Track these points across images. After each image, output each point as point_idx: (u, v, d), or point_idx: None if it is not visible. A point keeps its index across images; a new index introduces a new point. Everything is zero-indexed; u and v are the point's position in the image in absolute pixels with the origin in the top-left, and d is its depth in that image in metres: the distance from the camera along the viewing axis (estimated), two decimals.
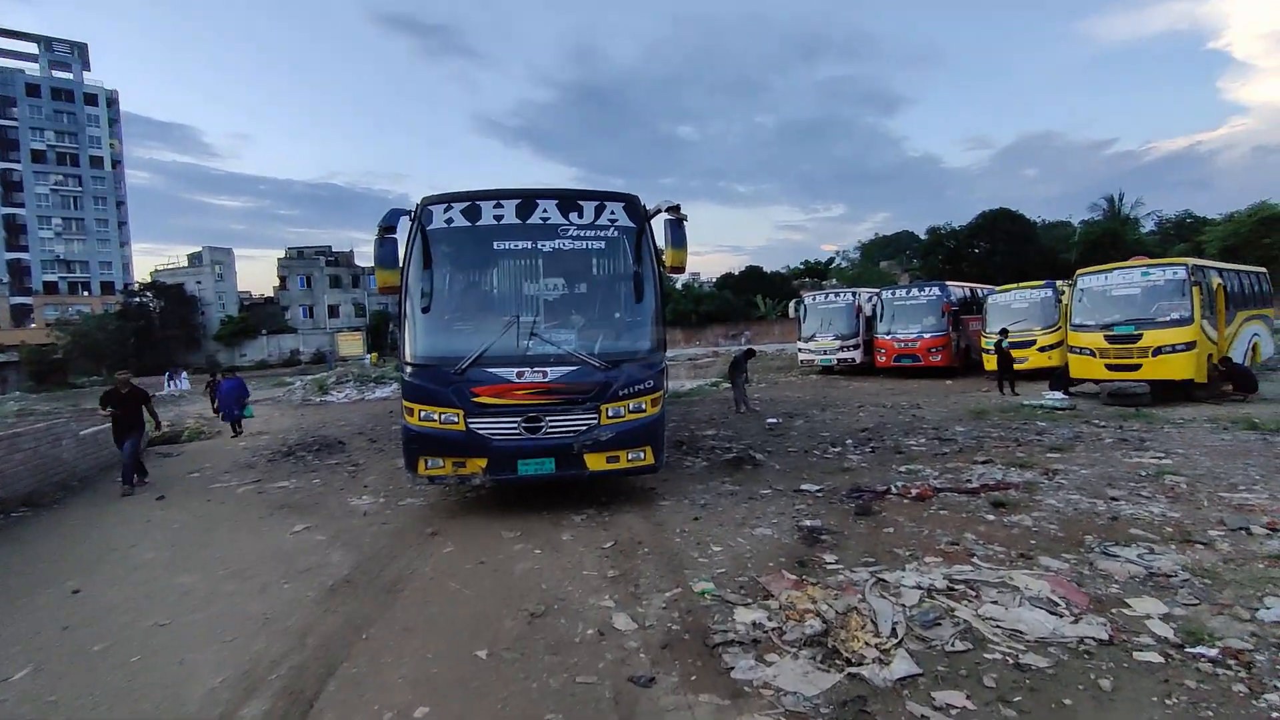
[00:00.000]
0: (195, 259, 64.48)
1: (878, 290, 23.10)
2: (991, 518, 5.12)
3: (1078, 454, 7.31)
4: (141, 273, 69.11)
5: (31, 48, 73.58)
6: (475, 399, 5.54)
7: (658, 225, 6.23)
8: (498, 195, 6.01)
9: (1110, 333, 12.19)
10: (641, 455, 5.87)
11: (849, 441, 9.12)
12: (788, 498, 6.22)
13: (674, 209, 5.87)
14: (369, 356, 46.30)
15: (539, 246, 6.01)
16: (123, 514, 6.71)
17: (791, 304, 26.02)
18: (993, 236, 44.23)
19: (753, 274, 58.29)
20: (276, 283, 65.20)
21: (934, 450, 8.13)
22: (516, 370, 5.61)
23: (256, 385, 32.98)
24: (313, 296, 64.33)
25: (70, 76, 74.04)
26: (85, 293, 70.74)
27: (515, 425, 5.60)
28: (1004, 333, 15.26)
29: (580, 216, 6.05)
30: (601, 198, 6.15)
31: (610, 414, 5.73)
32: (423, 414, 5.64)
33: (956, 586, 3.70)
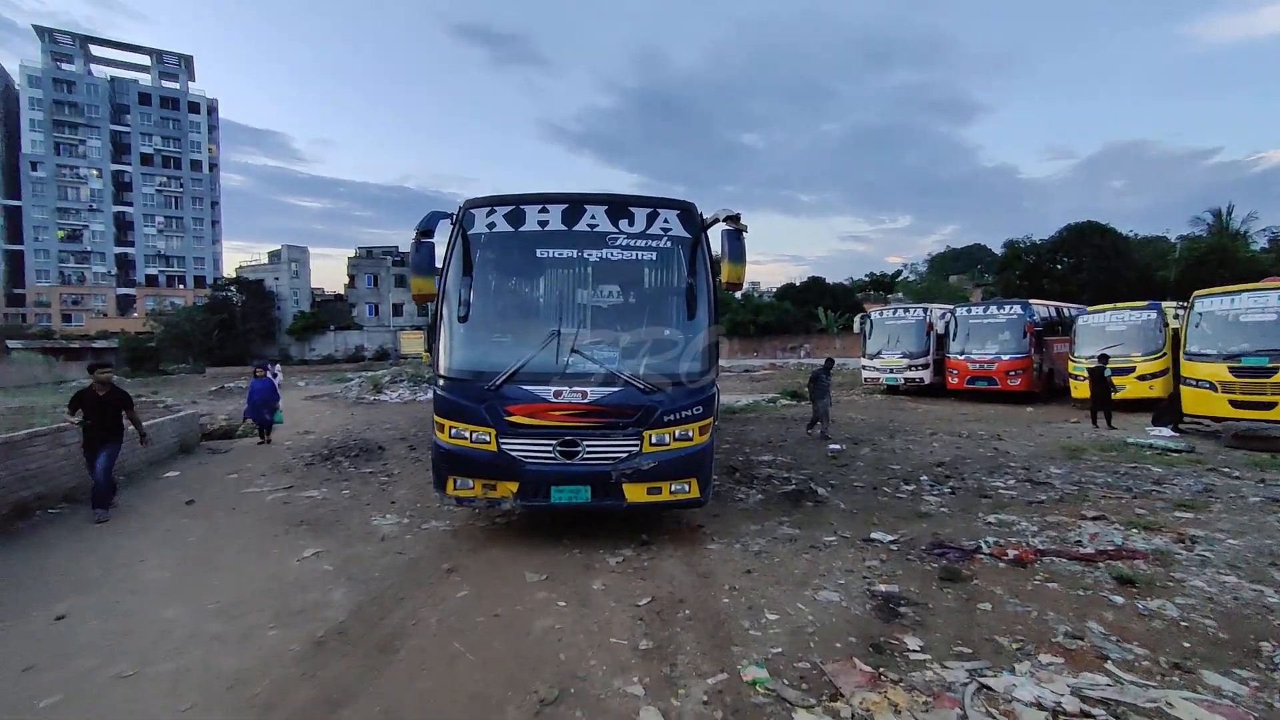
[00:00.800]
0: (275, 256, 67.97)
1: (951, 307, 21.58)
2: (1120, 600, 4.13)
3: (1215, 514, 6.10)
4: (229, 269, 73.45)
5: (144, 59, 79.84)
6: (508, 418, 5.14)
7: (715, 235, 5.65)
8: (544, 199, 5.62)
9: (1237, 364, 10.62)
10: (686, 488, 5.35)
11: (924, 478, 8.11)
12: (856, 549, 5.36)
13: (733, 218, 5.31)
14: (422, 355, 47.26)
15: (585, 255, 5.59)
16: (148, 519, 6.50)
17: (857, 319, 24.73)
18: (1079, 251, 41.03)
19: (815, 285, 56.37)
20: (346, 280, 67.90)
21: (1027, 496, 7.04)
22: (554, 389, 5.17)
23: (319, 380, 34.22)
24: (379, 295, 66.61)
25: (177, 86, 79.93)
26: (180, 285, 75.97)
27: (550, 448, 5.17)
28: (1104, 358, 13.66)
29: (631, 224, 5.59)
30: (654, 204, 5.68)
31: (654, 441, 5.22)
32: (453, 431, 5.29)
33: (1093, 712, 2.81)
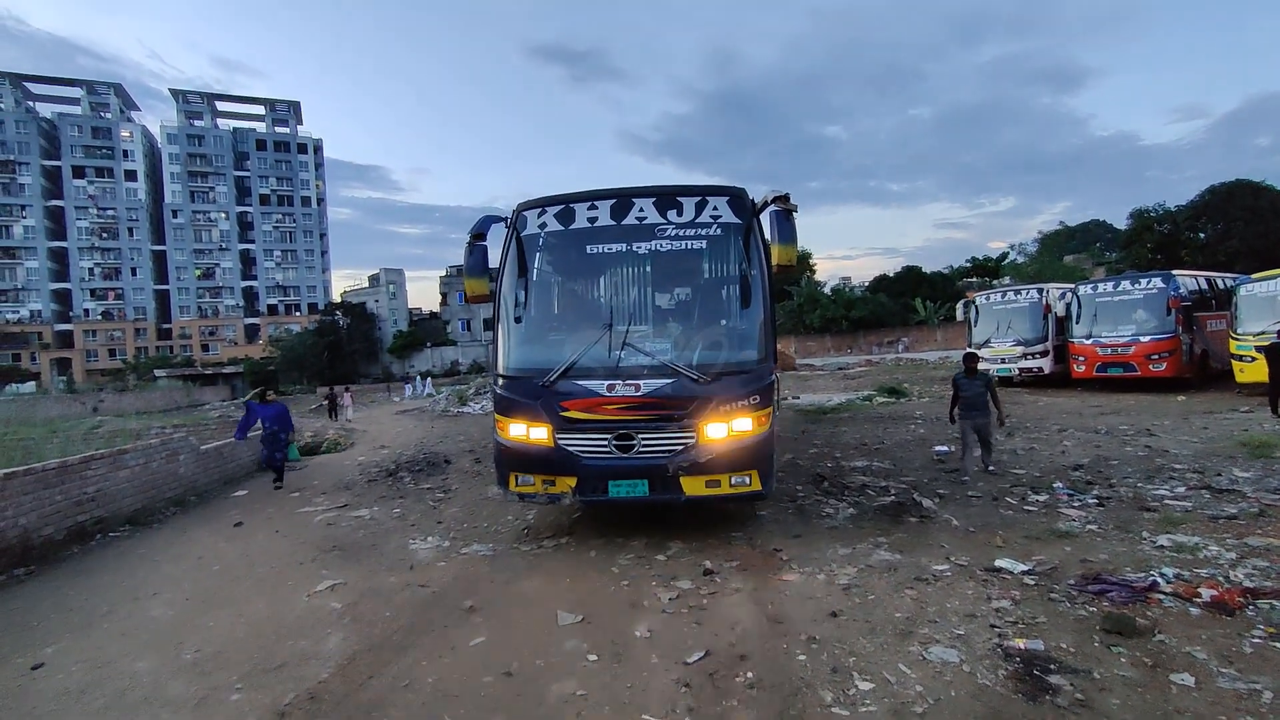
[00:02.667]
0: (374, 280, 72.40)
1: (1072, 285, 18.96)
2: None
3: None
4: (337, 294, 79.20)
5: (259, 109, 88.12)
6: (563, 413, 5.16)
7: (766, 220, 5.36)
8: (592, 196, 5.68)
9: None
10: (746, 480, 5.15)
11: (1058, 485, 6.62)
12: (977, 582, 4.18)
13: (782, 198, 5.15)
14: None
15: (634, 249, 5.57)
16: (192, 543, 6.30)
17: (959, 305, 22.33)
18: (1226, 215, 35.56)
19: (910, 275, 52.63)
20: (440, 299, 71.17)
21: (1208, 509, 5.46)
22: (607, 383, 5.13)
23: (413, 395, 35.66)
24: (471, 311, 69.22)
25: (287, 130, 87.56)
26: (296, 313, 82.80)
27: (605, 443, 5.14)
28: None
29: (680, 214, 5.52)
30: (703, 193, 5.58)
31: (710, 432, 5.08)
32: (513, 428, 5.41)
33: None
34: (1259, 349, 13.56)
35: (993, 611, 3.70)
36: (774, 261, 5.17)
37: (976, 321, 19.21)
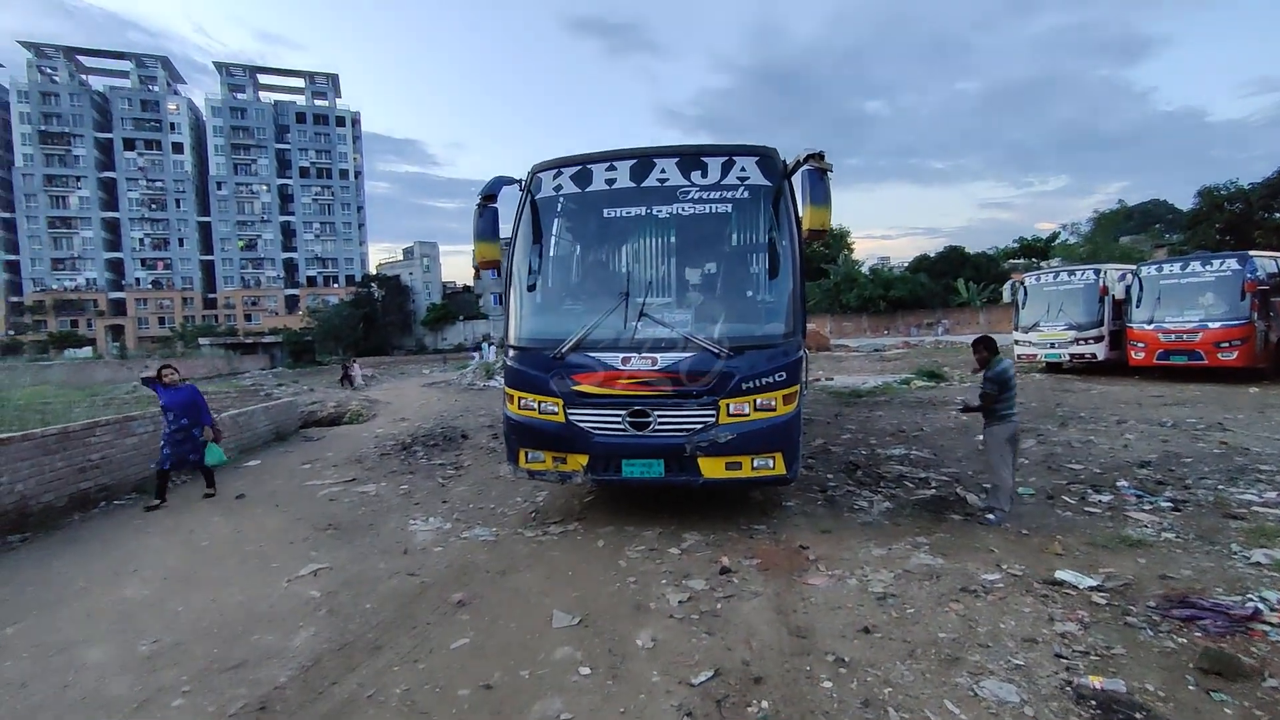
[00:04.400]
0: (408, 253, 73.06)
1: (1132, 266, 17.66)
2: None
3: None
4: (373, 267, 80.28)
5: (299, 82, 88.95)
6: (575, 387, 4.89)
7: (797, 182, 4.88)
8: (611, 157, 5.30)
9: None
10: (770, 463, 4.80)
11: (1123, 484, 5.93)
12: (1035, 598, 3.62)
13: (816, 156, 4.65)
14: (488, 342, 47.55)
15: (654, 212, 5.16)
16: (189, 514, 6.05)
17: (1006, 287, 21.16)
18: None
19: (953, 255, 50.54)
20: (473, 272, 71.55)
21: None
22: (622, 355, 4.83)
23: (443, 368, 35.75)
24: (501, 284, 69.46)
25: (326, 103, 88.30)
26: (334, 284, 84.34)
27: (619, 419, 4.84)
28: None
29: (704, 175, 5.11)
30: (730, 152, 5.15)
31: (732, 411, 4.75)
32: (523, 402, 5.15)
33: None
34: None
35: (1057, 637, 3.15)
36: (805, 225, 4.64)
37: (1025, 303, 18.10)
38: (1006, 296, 20.23)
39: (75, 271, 75.60)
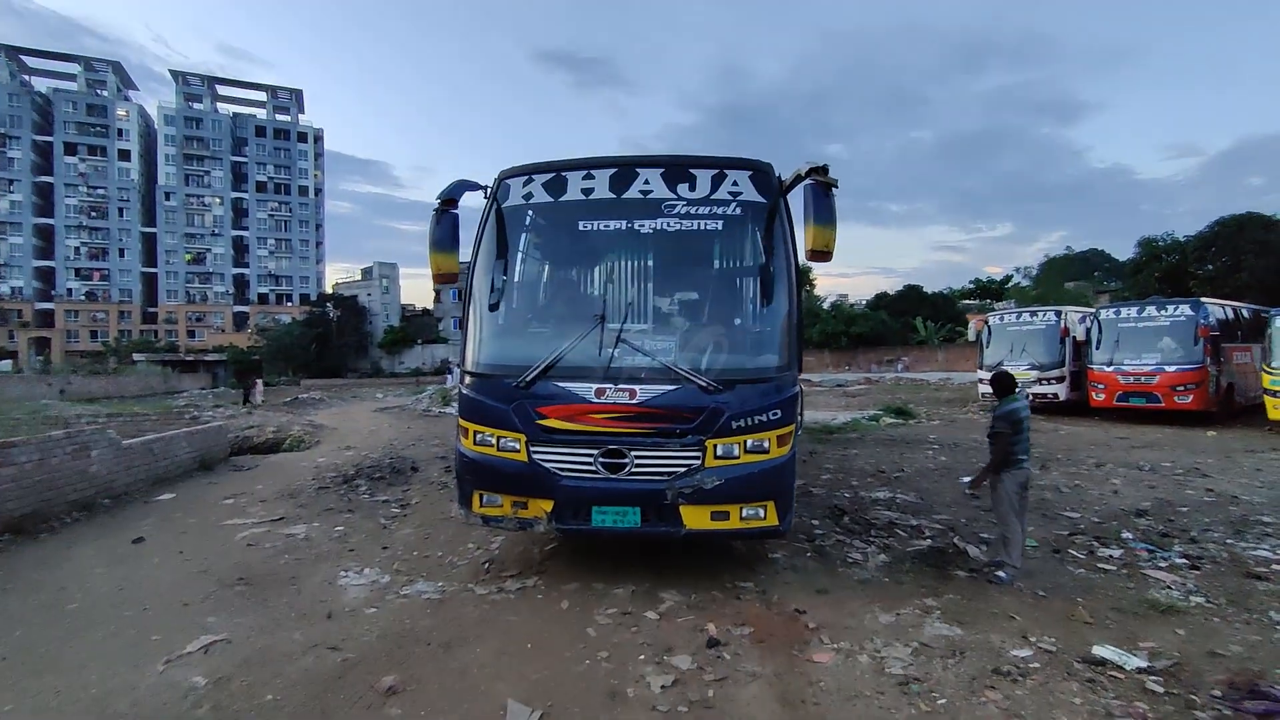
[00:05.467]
0: (367, 273, 71.08)
1: (1092, 310, 18.09)
2: None
3: None
4: (330, 287, 77.70)
5: (261, 95, 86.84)
6: (540, 420, 4.27)
7: (796, 197, 4.45)
8: (589, 164, 4.76)
9: None
10: (760, 513, 4.25)
11: (1127, 535, 5.57)
12: (1080, 682, 3.08)
13: (818, 170, 4.16)
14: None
15: (636, 227, 4.63)
16: (65, 565, 4.99)
17: (971, 326, 21.44)
18: (1236, 248, 34.84)
19: (911, 294, 51.84)
20: (433, 296, 69.91)
21: None
22: (596, 386, 4.24)
23: (399, 392, 34.20)
24: (462, 309, 68.05)
25: (288, 118, 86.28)
26: (288, 303, 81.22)
27: (591, 459, 4.25)
28: None
29: (692, 189, 4.59)
30: (722, 165, 4.65)
31: (719, 453, 4.20)
32: (479, 436, 4.47)
33: None
34: None
35: None
36: (809, 245, 4.15)
37: (989, 342, 18.27)
38: (971, 336, 20.43)
39: (0, 280, 70.81)
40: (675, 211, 4.58)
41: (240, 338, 65.62)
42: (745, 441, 4.22)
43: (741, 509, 4.24)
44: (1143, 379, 14.86)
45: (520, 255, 5.00)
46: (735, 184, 4.60)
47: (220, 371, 56.53)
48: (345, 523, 6.38)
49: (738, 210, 4.58)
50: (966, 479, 8.04)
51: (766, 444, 4.25)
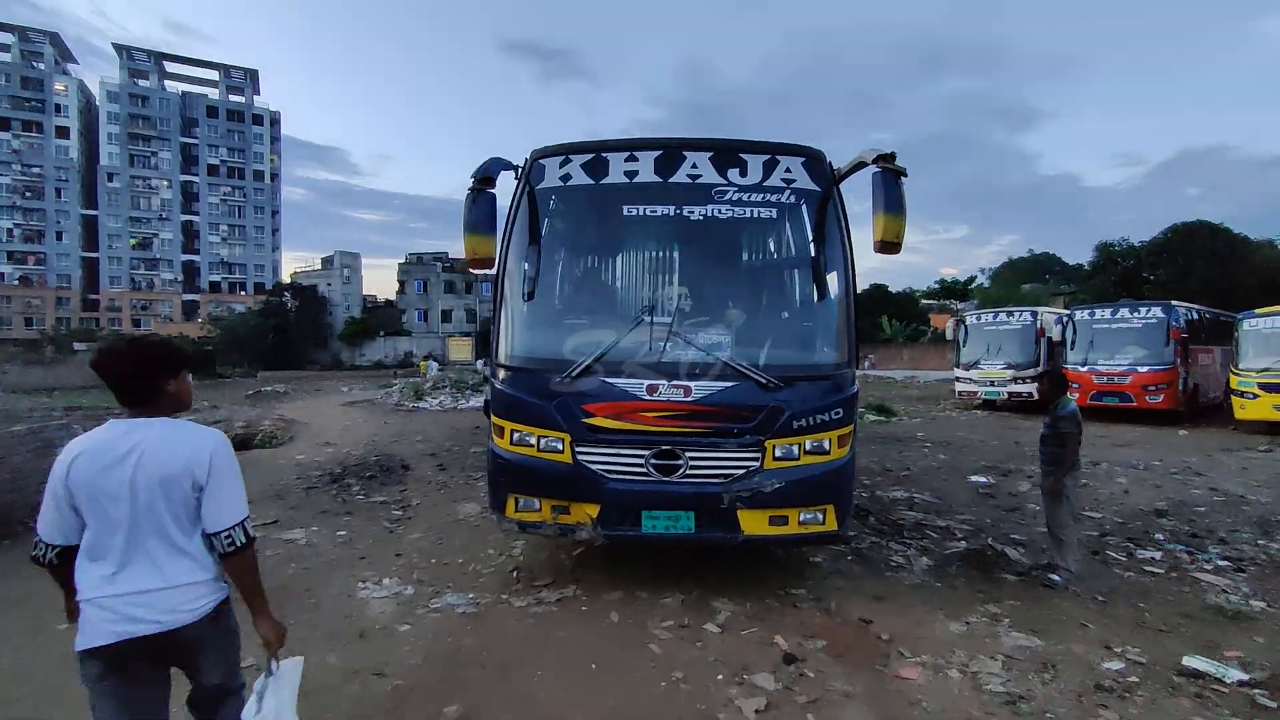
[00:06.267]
0: (328, 262, 68.70)
1: (1067, 311, 18.63)
2: None
3: None
4: (286, 276, 74.74)
5: (213, 75, 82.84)
6: (587, 419, 3.97)
7: (850, 185, 4.32)
8: (632, 145, 4.42)
9: None
10: (819, 517, 4.02)
11: (1160, 537, 5.57)
12: (1188, 697, 2.94)
13: (885, 157, 3.90)
14: (419, 364, 43.82)
15: (685, 213, 4.34)
16: (41, 575, 4.54)
17: (949, 325, 21.84)
18: (1187, 254, 36.56)
19: (877, 293, 52.86)
20: (397, 287, 68.05)
21: None
22: (647, 383, 3.95)
23: (364, 386, 33.01)
24: (428, 301, 66.44)
25: (243, 99, 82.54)
26: (242, 292, 77.90)
27: (641, 461, 3.96)
28: None
29: (743, 175, 4.32)
30: (774, 150, 4.38)
31: (779, 454, 3.96)
32: (516, 435, 4.13)
33: None
34: (1263, 386, 13.28)
35: None
36: (878, 235, 3.92)
37: (966, 341, 18.59)
38: (949, 335, 20.80)
39: None
40: (726, 198, 4.31)
41: (192, 327, 62.49)
42: (805, 442, 4.00)
43: (800, 513, 4.02)
44: (1116, 379, 15.29)
45: (557, 241, 4.66)
46: (788, 171, 4.37)
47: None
48: (346, 526, 5.92)
49: (792, 198, 4.35)
50: (981, 479, 8.09)
51: (827, 444, 4.04)
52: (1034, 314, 18.12)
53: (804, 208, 4.35)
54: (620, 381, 3.98)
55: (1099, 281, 40.63)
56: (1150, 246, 38.62)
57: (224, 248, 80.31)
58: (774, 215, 4.39)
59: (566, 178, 4.42)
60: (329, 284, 65.88)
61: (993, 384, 17.94)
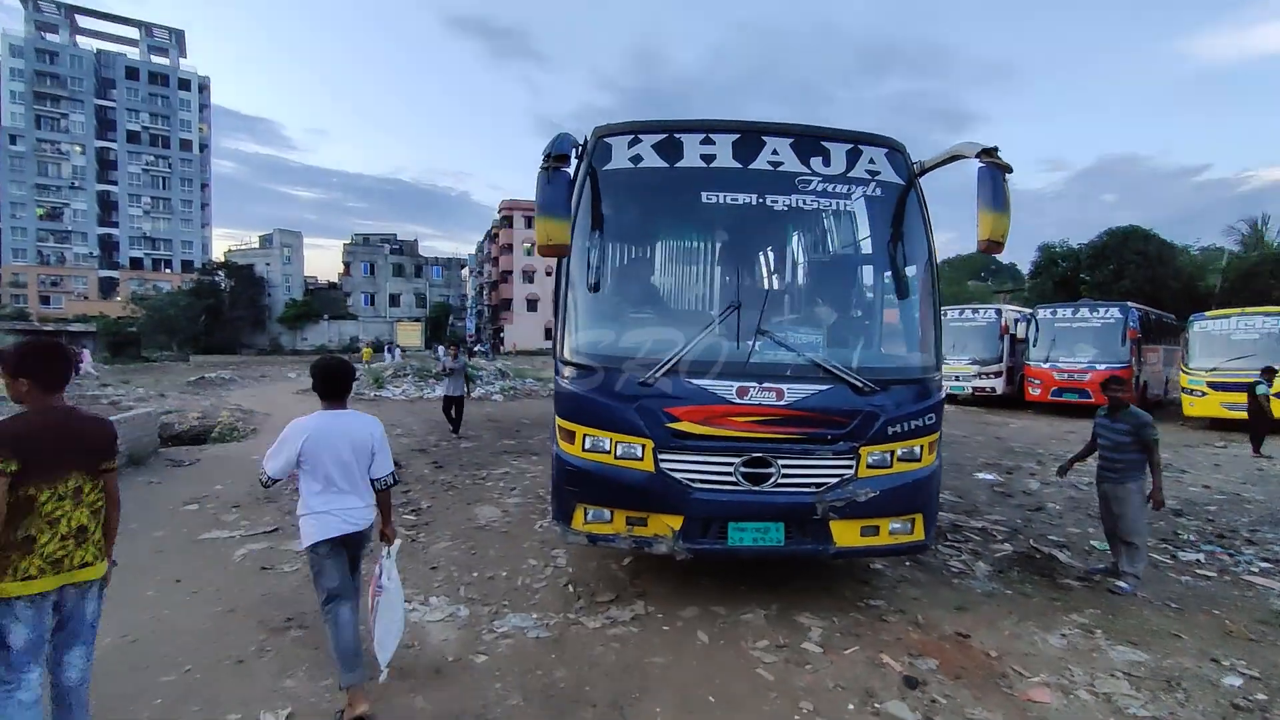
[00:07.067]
0: (266, 240, 64.94)
1: (1029, 310, 19.42)
2: None
3: None
4: (219, 254, 70.13)
5: (133, 33, 76.37)
6: (672, 424, 3.67)
7: (943, 175, 4.20)
8: (705, 127, 4.14)
9: None
10: (908, 527, 3.89)
11: (1191, 538, 5.72)
12: None
13: (989, 152, 3.71)
14: (363, 350, 41.47)
15: (768, 203, 4.07)
16: None
17: None
18: (1121, 257, 38.90)
19: None
20: (341, 269, 65.02)
21: None
22: (737, 385, 3.68)
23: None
24: (375, 284, 63.83)
25: (167, 62, 76.50)
26: (167, 269, 72.63)
27: (730, 469, 3.70)
28: (1270, 372, 11.31)
29: (826, 164, 4.11)
30: (855, 140, 4.20)
31: (872, 461, 3.77)
32: (590, 441, 3.79)
33: None
34: (1211, 384, 14.16)
35: None
36: (983, 234, 3.72)
37: None
38: None
39: None
40: (811, 188, 4.08)
41: (113, 306, 57.90)
42: (897, 449, 3.82)
43: (890, 523, 3.87)
44: (1076, 375, 16.00)
45: (628, 227, 4.33)
46: (872, 162, 4.18)
47: (88, 345, 49.74)
48: None
49: (878, 191, 4.15)
50: (989, 476, 8.19)
51: (919, 451, 3.89)
52: (999, 311, 18.77)
53: (890, 201, 4.17)
54: (708, 383, 3.70)
55: (1040, 282, 42.74)
56: (1089, 249, 40.86)
57: (147, 221, 74.54)
58: (860, 208, 4.20)
59: (637, 159, 4.08)
60: (267, 264, 62.31)
61: (958, 379, 18.47)
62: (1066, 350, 16.51)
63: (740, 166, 4.06)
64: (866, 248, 4.33)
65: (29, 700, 2.07)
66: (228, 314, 54.46)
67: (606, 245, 4.11)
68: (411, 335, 56.25)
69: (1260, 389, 11.12)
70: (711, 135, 4.11)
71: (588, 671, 3.24)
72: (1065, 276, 40.55)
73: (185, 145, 76.15)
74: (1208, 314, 15.40)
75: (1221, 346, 14.37)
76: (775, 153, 4.10)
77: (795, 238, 4.27)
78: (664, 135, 4.09)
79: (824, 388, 3.73)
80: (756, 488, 3.71)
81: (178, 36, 78.35)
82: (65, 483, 2.16)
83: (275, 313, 60.01)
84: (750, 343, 3.79)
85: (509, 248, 60.94)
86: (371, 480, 2.99)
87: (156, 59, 76.17)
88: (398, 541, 3.20)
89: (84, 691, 2.27)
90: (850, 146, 4.17)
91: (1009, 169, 3.76)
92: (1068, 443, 11.85)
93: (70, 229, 69.95)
